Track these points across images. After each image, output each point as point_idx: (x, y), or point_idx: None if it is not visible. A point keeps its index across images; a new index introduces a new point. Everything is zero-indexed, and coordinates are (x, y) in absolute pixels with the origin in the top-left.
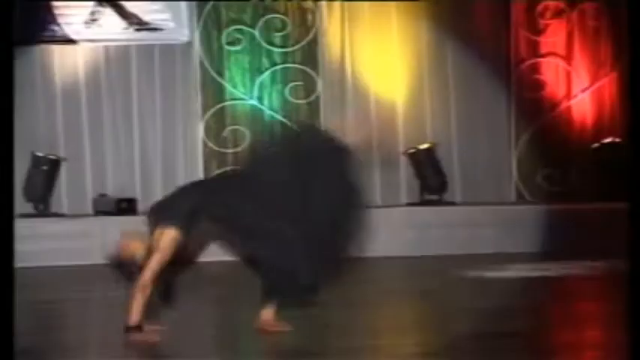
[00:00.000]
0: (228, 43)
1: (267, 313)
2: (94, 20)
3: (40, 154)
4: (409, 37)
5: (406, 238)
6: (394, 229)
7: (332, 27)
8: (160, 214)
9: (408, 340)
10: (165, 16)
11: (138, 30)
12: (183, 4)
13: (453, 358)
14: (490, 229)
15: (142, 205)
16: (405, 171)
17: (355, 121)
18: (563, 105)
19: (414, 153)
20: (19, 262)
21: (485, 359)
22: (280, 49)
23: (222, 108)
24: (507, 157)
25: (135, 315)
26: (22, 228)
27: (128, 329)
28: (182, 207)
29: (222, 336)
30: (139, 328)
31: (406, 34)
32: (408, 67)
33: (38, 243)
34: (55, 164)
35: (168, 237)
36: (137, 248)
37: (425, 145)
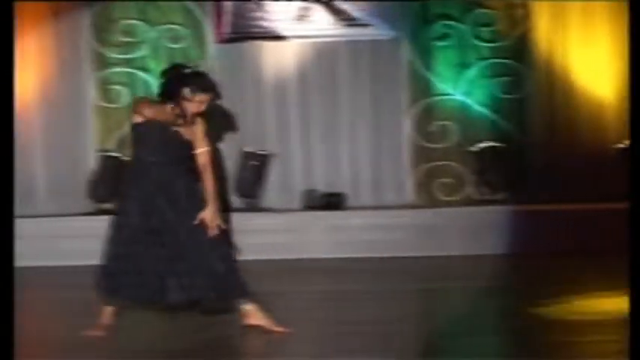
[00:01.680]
0: (436, 38)
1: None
2: (303, 16)
3: (249, 149)
4: (619, 34)
5: None
6: None
7: (542, 21)
8: None
9: None
10: (374, 11)
11: (347, 26)
12: None
13: None
14: None
15: (350, 200)
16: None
17: (564, 118)
18: None
19: (624, 149)
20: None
21: None
22: (489, 44)
23: (430, 103)
24: None
25: None
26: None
27: None
28: None
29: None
30: None
31: (616, 31)
32: (618, 64)
33: (249, 237)
34: (264, 159)
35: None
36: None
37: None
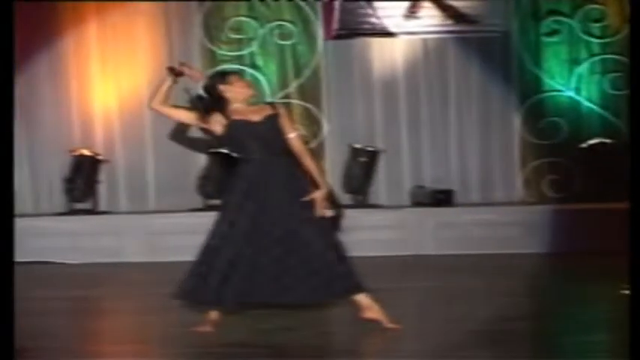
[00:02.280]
0: (546, 34)
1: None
2: (413, 13)
3: (358, 146)
4: None
5: None
6: None
7: None
8: None
9: None
10: (483, 7)
11: (455, 22)
12: None
13: None
14: None
15: (459, 197)
16: None
17: None
18: None
19: None
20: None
21: None
22: (599, 40)
23: (540, 99)
24: None
25: None
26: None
27: None
28: None
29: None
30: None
31: None
32: None
33: (358, 234)
34: (373, 156)
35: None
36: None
37: None
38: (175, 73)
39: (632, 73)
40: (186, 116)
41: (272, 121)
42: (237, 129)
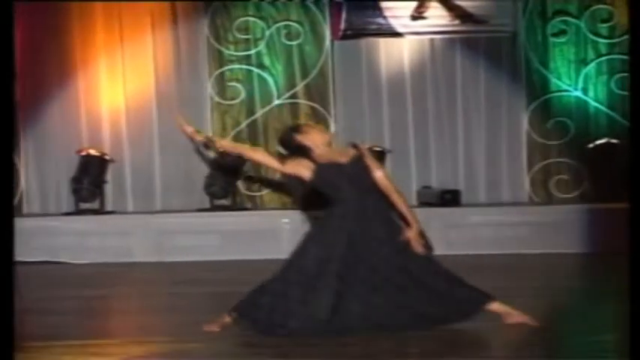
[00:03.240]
0: (553, 35)
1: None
2: (420, 13)
3: (366, 146)
4: None
5: None
6: None
7: None
8: None
9: None
10: (491, 7)
11: (463, 23)
12: None
13: None
14: None
15: (466, 198)
16: None
17: None
18: None
19: None
20: None
21: None
22: (606, 40)
23: (547, 100)
24: None
25: None
26: None
27: None
28: None
29: None
30: None
31: None
32: None
33: None
34: (380, 156)
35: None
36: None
37: None
38: (207, 145)
39: (632, 73)
40: (265, 159)
41: (358, 161)
42: (328, 171)
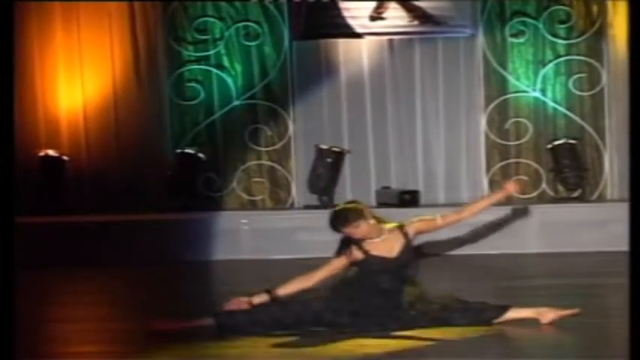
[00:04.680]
0: (512, 35)
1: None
2: (379, 14)
3: (324, 146)
4: None
5: None
6: None
7: (618, 18)
8: None
9: None
10: (450, 8)
11: (422, 23)
12: None
13: None
14: None
15: (425, 198)
16: None
17: None
18: None
19: None
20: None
21: None
22: (564, 41)
23: (505, 100)
24: None
25: None
26: (303, 219)
27: None
28: None
29: None
30: None
31: None
32: None
33: (322, 234)
34: (339, 156)
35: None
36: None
37: None
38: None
39: (632, 72)
40: (340, 264)
41: (407, 251)
42: (373, 266)
